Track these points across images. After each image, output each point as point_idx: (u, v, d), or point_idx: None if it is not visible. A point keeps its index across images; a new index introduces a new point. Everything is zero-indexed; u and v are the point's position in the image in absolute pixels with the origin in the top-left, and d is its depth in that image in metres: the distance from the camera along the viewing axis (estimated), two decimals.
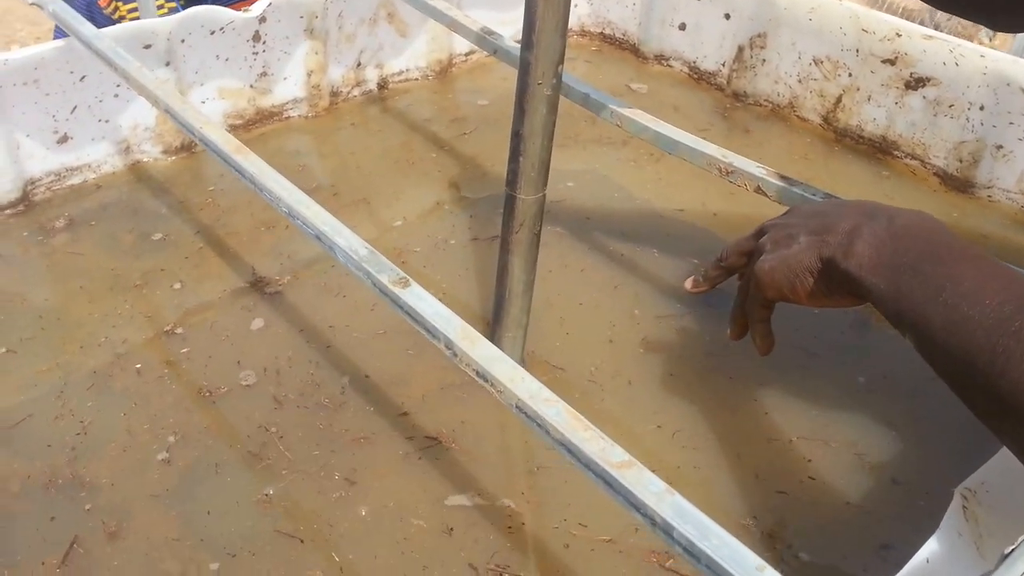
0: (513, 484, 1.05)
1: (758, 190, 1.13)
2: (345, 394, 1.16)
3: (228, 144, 1.06)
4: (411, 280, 0.88)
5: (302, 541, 0.99)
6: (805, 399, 1.17)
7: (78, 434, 1.10)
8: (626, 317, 1.30)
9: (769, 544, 1.00)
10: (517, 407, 0.76)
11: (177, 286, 1.31)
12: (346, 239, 0.93)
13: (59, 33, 1.66)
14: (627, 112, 1.25)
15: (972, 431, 1.05)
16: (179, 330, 1.25)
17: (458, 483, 1.05)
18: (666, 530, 0.65)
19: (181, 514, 1.01)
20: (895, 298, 0.82)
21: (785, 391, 1.18)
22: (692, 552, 0.64)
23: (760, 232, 1.01)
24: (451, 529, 1.00)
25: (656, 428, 1.13)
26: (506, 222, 1.09)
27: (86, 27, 1.29)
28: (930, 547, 0.69)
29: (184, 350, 1.22)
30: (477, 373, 0.80)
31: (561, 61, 0.98)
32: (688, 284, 1.10)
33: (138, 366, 1.19)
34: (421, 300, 0.86)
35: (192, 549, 0.98)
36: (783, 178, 1.11)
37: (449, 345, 0.82)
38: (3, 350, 1.21)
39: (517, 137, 1.02)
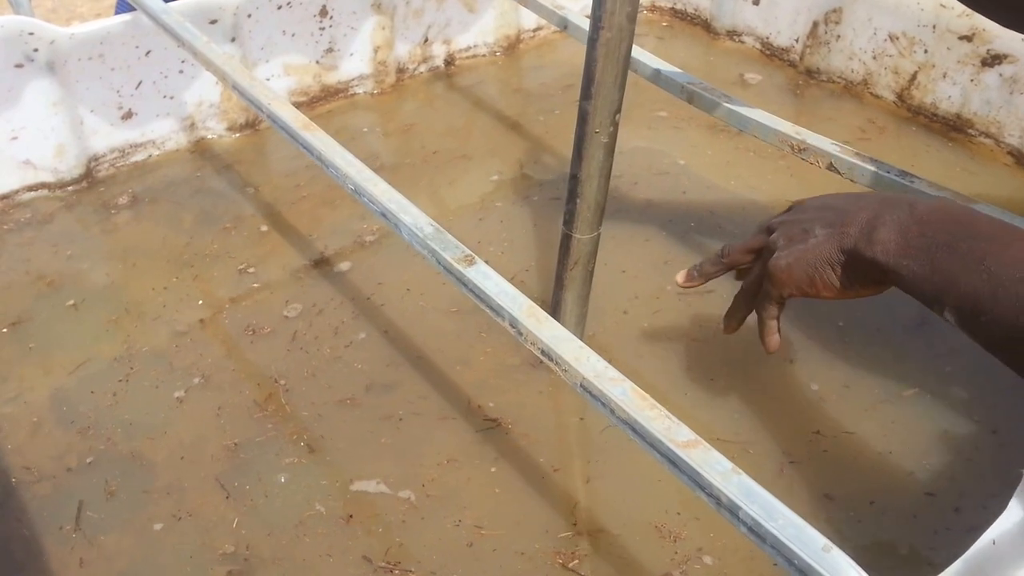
0: (418, 476, 1.04)
1: (831, 167, 1.10)
2: (349, 348, 1.19)
3: (296, 121, 1.06)
4: (477, 258, 0.87)
5: (227, 496, 1.01)
6: (742, 400, 1.13)
7: (121, 380, 1.14)
8: (654, 291, 1.28)
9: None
10: (582, 386, 0.75)
11: (242, 262, 1.32)
12: (412, 216, 0.92)
13: (121, 8, 1.67)
14: (699, 89, 1.23)
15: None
16: (251, 269, 1.30)
17: (366, 468, 1.05)
18: (731, 510, 0.64)
19: (163, 460, 1.06)
20: (930, 276, 0.81)
21: (728, 391, 1.15)
22: (758, 532, 0.63)
23: (768, 230, 0.99)
24: (351, 516, 1.00)
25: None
26: (561, 259, 1.10)
27: (154, 1, 1.29)
28: (997, 528, 0.67)
29: (255, 284, 1.28)
30: (542, 352, 0.79)
31: (619, 111, 0.99)
32: (680, 277, 1.08)
33: (200, 302, 1.25)
34: (487, 278, 0.85)
35: (156, 503, 1.01)
36: (857, 155, 1.09)
37: (514, 323, 0.81)
38: (71, 302, 1.25)
39: (574, 180, 1.03)
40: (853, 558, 0.59)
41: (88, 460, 1.05)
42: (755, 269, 1.00)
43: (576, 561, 0.94)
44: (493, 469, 1.05)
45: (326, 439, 1.07)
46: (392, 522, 0.98)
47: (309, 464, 1.05)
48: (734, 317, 1.04)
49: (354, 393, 1.13)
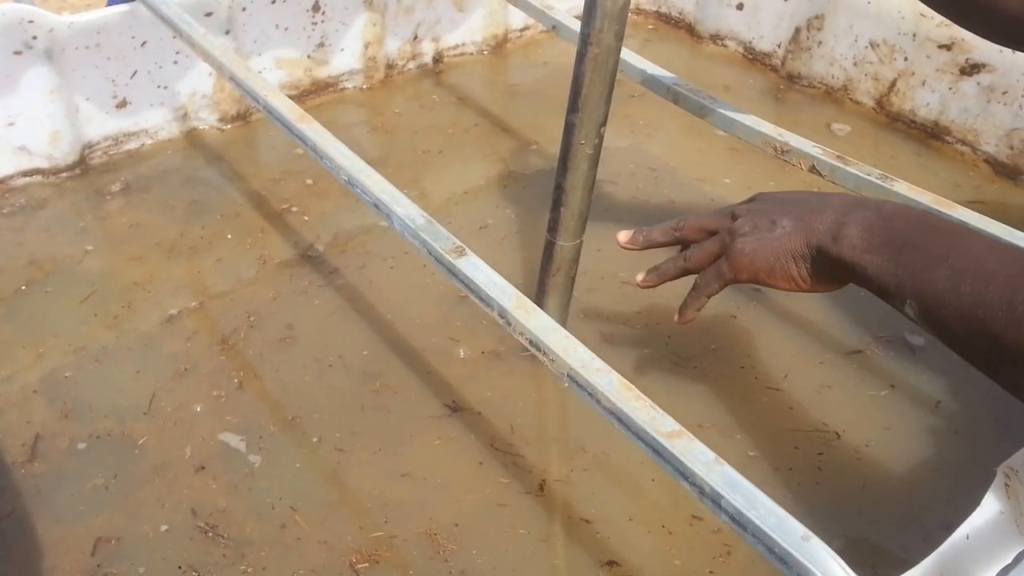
0: (272, 443, 1.06)
1: (812, 169, 1.12)
2: (308, 294, 1.25)
3: (292, 112, 1.08)
4: (467, 249, 0.89)
5: (145, 413, 1.08)
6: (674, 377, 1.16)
7: (123, 305, 1.24)
8: (605, 273, 1.31)
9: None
10: (569, 376, 0.77)
11: (237, 248, 1.34)
12: (404, 208, 0.94)
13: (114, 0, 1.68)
14: (684, 90, 1.25)
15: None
16: (245, 254, 1.33)
17: (236, 421, 1.08)
18: (714, 499, 0.66)
19: (121, 374, 1.13)
20: (894, 271, 0.82)
21: (627, 348, 1.20)
22: (739, 521, 0.64)
23: (732, 216, 0.99)
24: (203, 467, 1.02)
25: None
26: (544, 266, 1.14)
27: None
28: (971, 523, 0.69)
29: (250, 269, 1.31)
30: (530, 342, 0.81)
31: (604, 124, 1.02)
32: (639, 277, 1.05)
33: (229, 236, 1.34)
34: (476, 269, 0.87)
35: (92, 420, 1.06)
36: (838, 157, 1.10)
37: (503, 314, 0.83)
38: (64, 284, 1.27)
39: (559, 189, 1.07)
40: None
41: (66, 375, 1.11)
42: (705, 247, 1.00)
43: (366, 564, 0.94)
44: (316, 448, 1.06)
45: (257, 379, 1.11)
46: (228, 483, 1.00)
47: (226, 402, 1.09)
48: (691, 307, 1.03)
49: (292, 335, 1.19)
